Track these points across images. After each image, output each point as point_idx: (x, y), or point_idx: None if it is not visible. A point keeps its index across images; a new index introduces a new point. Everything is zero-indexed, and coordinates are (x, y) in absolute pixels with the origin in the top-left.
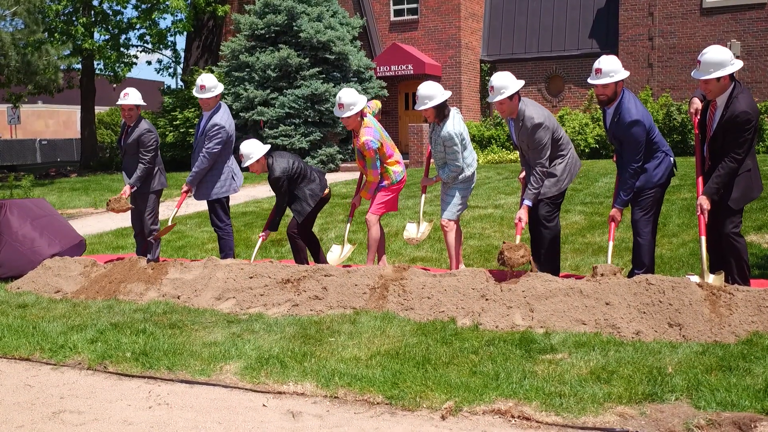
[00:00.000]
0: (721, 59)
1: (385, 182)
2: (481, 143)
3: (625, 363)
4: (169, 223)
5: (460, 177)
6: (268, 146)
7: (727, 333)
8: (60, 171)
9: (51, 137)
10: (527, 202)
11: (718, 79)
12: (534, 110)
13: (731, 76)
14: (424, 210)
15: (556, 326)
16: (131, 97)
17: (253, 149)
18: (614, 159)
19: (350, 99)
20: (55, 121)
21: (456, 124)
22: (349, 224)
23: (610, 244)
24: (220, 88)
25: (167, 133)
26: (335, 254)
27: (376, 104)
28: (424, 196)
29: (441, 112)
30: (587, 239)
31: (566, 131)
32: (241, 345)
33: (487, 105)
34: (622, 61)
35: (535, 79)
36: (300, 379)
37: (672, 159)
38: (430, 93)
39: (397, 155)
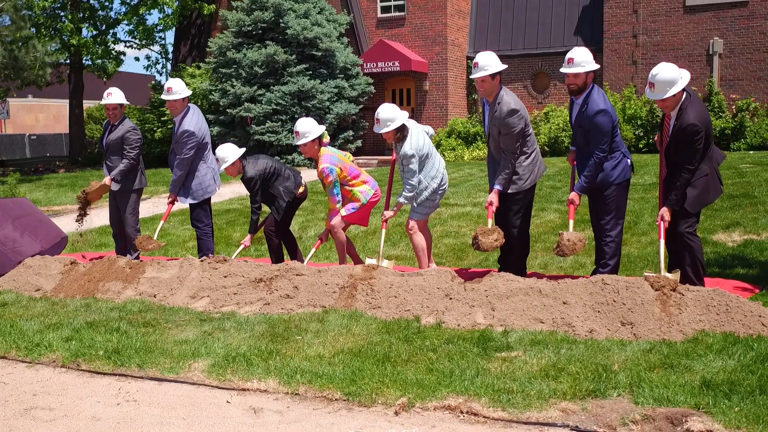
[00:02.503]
0: (672, 77)
1: (355, 204)
2: (467, 140)
3: (574, 360)
4: (155, 237)
5: (425, 193)
6: (243, 149)
7: (676, 331)
8: (48, 167)
9: (41, 131)
10: (498, 186)
11: (674, 95)
12: (512, 98)
13: (682, 91)
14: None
15: (515, 325)
16: (114, 96)
17: (228, 153)
18: (568, 159)
19: (305, 128)
20: (45, 115)
21: (414, 143)
22: (313, 250)
23: (571, 222)
24: (186, 92)
25: (155, 129)
26: None
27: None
28: (384, 231)
29: (399, 133)
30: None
31: (551, 127)
32: (210, 343)
33: (473, 101)
34: (607, 58)
35: (520, 75)
36: (264, 376)
37: (629, 161)
38: (391, 116)
39: (364, 176)
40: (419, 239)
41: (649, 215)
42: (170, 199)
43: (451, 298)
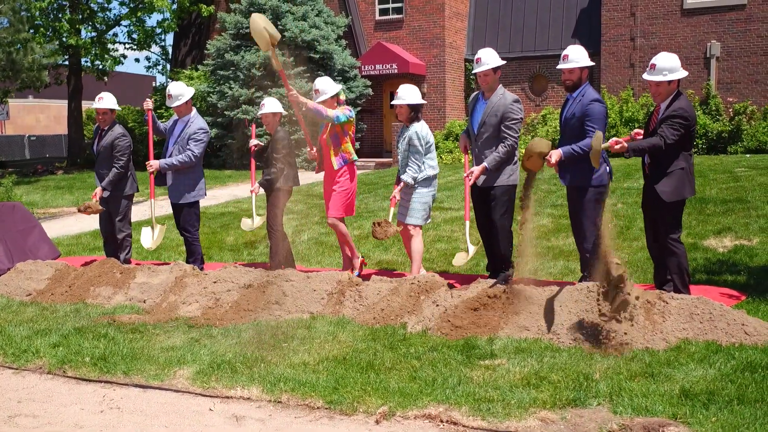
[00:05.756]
0: (673, 65)
1: (345, 156)
2: None
3: (557, 369)
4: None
5: (420, 176)
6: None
7: (659, 340)
8: (47, 168)
9: (42, 132)
10: (486, 164)
11: (669, 82)
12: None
13: (678, 82)
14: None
15: (501, 332)
16: (106, 101)
17: (271, 104)
18: (556, 169)
19: (324, 86)
20: (45, 116)
21: (422, 128)
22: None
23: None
24: (187, 94)
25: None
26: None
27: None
28: (393, 209)
29: (414, 113)
30: (551, 242)
31: (548, 130)
32: (197, 350)
33: None
34: (605, 61)
35: (518, 78)
36: (247, 384)
37: (608, 167)
38: (411, 93)
39: (354, 153)
40: (417, 243)
41: (641, 220)
42: (152, 170)
43: (438, 305)
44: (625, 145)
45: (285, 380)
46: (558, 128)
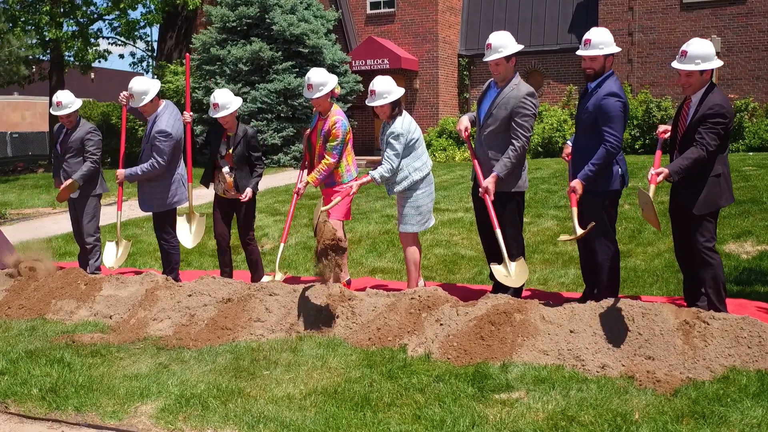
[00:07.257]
0: (708, 52)
1: (336, 179)
2: (458, 139)
3: (587, 406)
4: (118, 236)
5: (405, 183)
6: (240, 100)
7: (702, 368)
8: (28, 166)
9: (27, 129)
10: (497, 173)
11: (701, 72)
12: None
13: (711, 72)
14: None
15: (516, 356)
16: (65, 104)
17: (230, 99)
18: (564, 154)
19: (320, 79)
20: (31, 113)
21: (405, 124)
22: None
23: (574, 210)
24: (153, 91)
25: (137, 127)
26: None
27: None
28: (338, 197)
29: (397, 108)
30: (558, 248)
31: (545, 128)
32: (165, 379)
33: (465, 100)
34: None
35: None
36: (221, 425)
37: (620, 170)
38: (387, 89)
39: (353, 156)
40: (413, 252)
41: None
42: (119, 180)
43: (441, 324)
44: (666, 170)
45: (266, 420)
46: (554, 125)
